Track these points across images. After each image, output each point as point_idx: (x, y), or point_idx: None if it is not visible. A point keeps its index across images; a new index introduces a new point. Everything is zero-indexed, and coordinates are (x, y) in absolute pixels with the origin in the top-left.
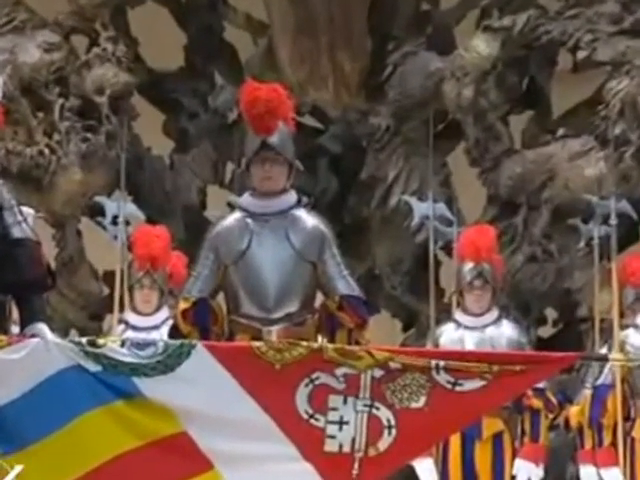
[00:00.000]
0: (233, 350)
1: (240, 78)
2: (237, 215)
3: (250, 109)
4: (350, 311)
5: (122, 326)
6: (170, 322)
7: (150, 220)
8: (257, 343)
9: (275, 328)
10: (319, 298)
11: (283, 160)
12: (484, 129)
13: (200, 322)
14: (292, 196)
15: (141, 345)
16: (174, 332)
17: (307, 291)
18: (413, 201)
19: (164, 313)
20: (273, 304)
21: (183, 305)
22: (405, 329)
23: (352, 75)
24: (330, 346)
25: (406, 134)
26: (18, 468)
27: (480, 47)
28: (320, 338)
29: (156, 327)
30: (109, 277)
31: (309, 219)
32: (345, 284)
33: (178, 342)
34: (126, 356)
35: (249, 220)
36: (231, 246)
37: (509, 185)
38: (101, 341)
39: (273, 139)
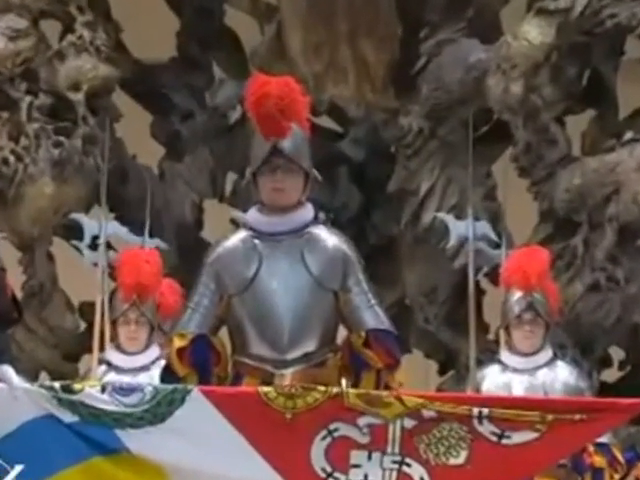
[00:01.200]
0: (236, 396)
1: (244, 71)
2: (242, 235)
3: (257, 108)
4: (379, 348)
5: (103, 367)
6: (161, 363)
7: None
8: (265, 388)
9: (290, 371)
10: (342, 334)
11: (297, 169)
12: (536, 132)
13: (199, 363)
14: (308, 211)
15: (125, 390)
16: (167, 375)
17: (327, 325)
18: (450, 219)
19: (153, 352)
20: (287, 342)
21: (179, 342)
22: (441, 371)
23: (377, 67)
24: (352, 391)
25: (443, 138)
26: (18, 468)
27: (531, 34)
28: (343, 381)
29: (144, 369)
30: (87, 309)
31: (329, 238)
32: (373, 316)
33: (170, 387)
34: (108, 404)
35: (257, 241)
36: (236, 273)
37: (566, 199)
38: (78, 386)
39: (285, 144)
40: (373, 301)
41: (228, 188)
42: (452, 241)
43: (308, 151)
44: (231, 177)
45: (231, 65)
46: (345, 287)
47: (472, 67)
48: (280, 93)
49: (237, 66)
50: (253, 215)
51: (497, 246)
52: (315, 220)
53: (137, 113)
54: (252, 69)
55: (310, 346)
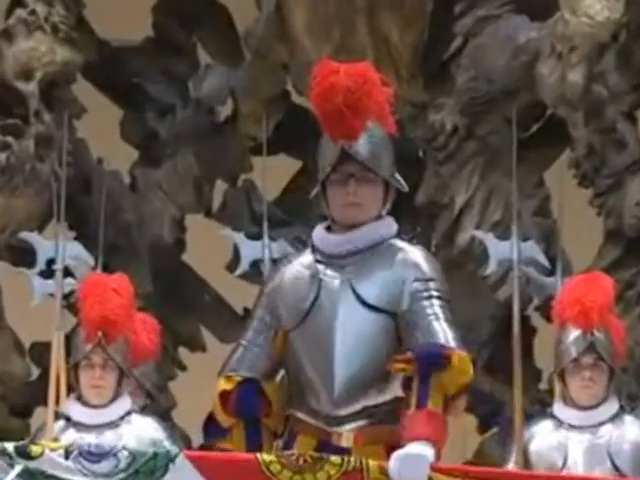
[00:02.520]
0: (230, 464)
1: (236, 55)
2: (307, 258)
3: (322, 103)
4: (416, 367)
5: (60, 424)
6: (133, 418)
7: (103, 266)
8: (266, 456)
9: (346, 429)
10: None
11: (374, 178)
12: (600, 131)
13: (245, 411)
14: (387, 225)
15: (95, 455)
16: (211, 426)
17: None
18: (490, 239)
19: (123, 404)
20: (338, 393)
21: (224, 386)
22: (482, 428)
23: (402, 50)
24: (373, 463)
25: (483, 139)
26: (18, 468)
27: (594, 8)
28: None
29: (111, 425)
30: (41, 351)
31: (401, 252)
32: (427, 331)
33: (149, 452)
34: (73, 473)
35: (321, 266)
36: (292, 303)
37: (638, 215)
38: (36, 449)
39: (358, 147)
40: (441, 315)
41: (217, 200)
42: (492, 266)
43: (390, 155)
44: (220, 187)
45: (220, 48)
46: (407, 308)
47: (520, 50)
48: (350, 85)
49: (228, 49)
50: (319, 234)
51: (550, 273)
52: (397, 237)
53: (103, 108)
54: (246, 53)
55: (371, 398)
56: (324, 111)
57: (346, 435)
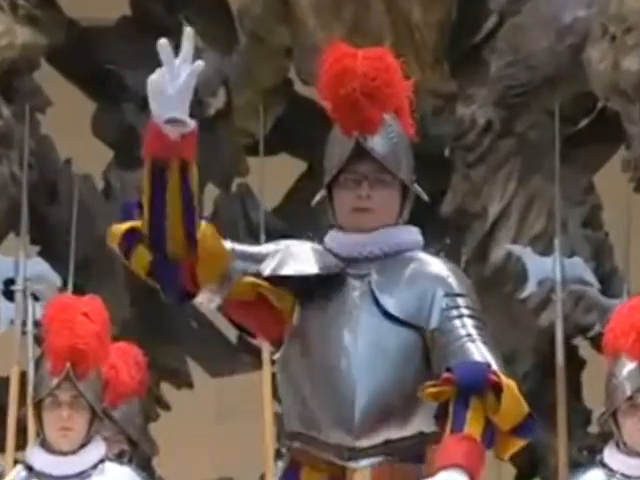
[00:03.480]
0: None
1: (229, 38)
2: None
3: (335, 89)
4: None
5: (22, 475)
6: (107, 467)
7: (73, 287)
8: None
9: (363, 465)
10: None
11: (391, 180)
12: None
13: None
14: (410, 232)
15: None
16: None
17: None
18: (529, 254)
19: (96, 450)
20: (359, 422)
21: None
22: (521, 478)
23: (425, 31)
24: None
25: (522, 136)
26: (18, 467)
27: None
28: None
29: (82, 476)
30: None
31: (427, 264)
32: (461, 353)
33: None
34: None
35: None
36: (310, 264)
37: None
38: None
39: (375, 142)
40: (476, 336)
41: (206, 209)
42: (531, 287)
43: (409, 158)
44: (211, 193)
45: (210, 29)
46: (436, 327)
47: (565, 31)
48: (368, 70)
49: (219, 30)
50: (333, 236)
51: (603, 293)
52: (421, 248)
53: (72, 99)
54: (241, 35)
55: (394, 429)
56: (336, 98)
57: (362, 472)
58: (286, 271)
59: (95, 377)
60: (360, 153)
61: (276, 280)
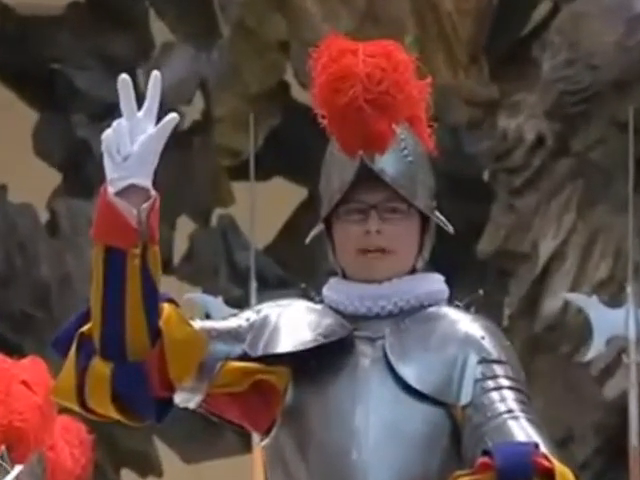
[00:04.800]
0: None
1: (208, 27)
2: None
3: (331, 95)
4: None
5: None
6: None
7: (10, 347)
8: None
9: None
10: None
11: (407, 210)
12: None
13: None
14: (433, 280)
15: None
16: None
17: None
18: (593, 305)
19: None
20: None
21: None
22: None
23: (458, 21)
24: None
25: (582, 155)
26: (18, 468)
27: None
28: None
29: None
30: None
31: (456, 321)
32: (501, 433)
33: None
34: None
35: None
36: (303, 331)
37: None
38: None
39: (384, 164)
40: (519, 412)
41: (179, 248)
42: (597, 347)
43: (429, 181)
44: (185, 227)
45: (185, 18)
46: (469, 402)
47: (637, 22)
48: (373, 71)
49: (196, 20)
50: (335, 287)
51: None
52: (448, 302)
53: (8, 107)
54: (224, 26)
55: None
56: (333, 108)
57: None
58: (282, 347)
59: (36, 462)
60: (366, 176)
61: (269, 359)
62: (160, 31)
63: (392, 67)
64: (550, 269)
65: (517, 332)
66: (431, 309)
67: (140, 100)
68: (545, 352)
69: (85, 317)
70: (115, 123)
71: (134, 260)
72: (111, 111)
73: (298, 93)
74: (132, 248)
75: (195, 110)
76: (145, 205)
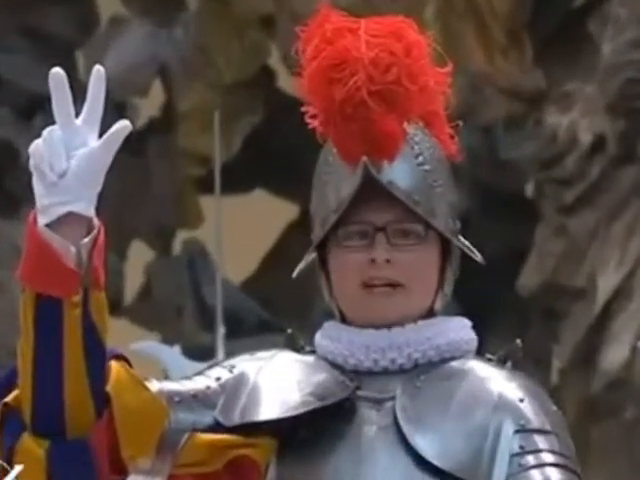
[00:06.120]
0: None
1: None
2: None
3: (325, 87)
4: None
5: None
6: None
7: None
8: None
9: None
10: None
11: (423, 233)
12: None
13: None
14: (458, 326)
15: None
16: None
17: None
18: None
19: None
20: None
21: None
22: None
23: (497, 1)
24: None
25: None
26: (18, 468)
27: None
28: None
29: None
30: None
31: (486, 379)
32: None
33: None
34: None
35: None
36: (292, 389)
37: None
38: None
39: (394, 174)
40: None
41: (132, 282)
42: None
43: (449, 190)
44: (139, 255)
45: None
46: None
47: None
48: (380, 56)
49: None
50: (333, 334)
51: None
52: (477, 353)
53: None
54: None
55: None
56: (329, 103)
57: None
58: (265, 414)
59: None
60: (371, 190)
61: (247, 428)
62: (107, 2)
63: (403, 50)
64: (612, 309)
65: (569, 392)
66: (454, 363)
67: (80, 93)
68: (605, 417)
69: (9, 381)
70: (46, 132)
71: (73, 310)
72: (43, 105)
73: (286, 82)
74: (70, 296)
75: (152, 104)
76: (86, 240)
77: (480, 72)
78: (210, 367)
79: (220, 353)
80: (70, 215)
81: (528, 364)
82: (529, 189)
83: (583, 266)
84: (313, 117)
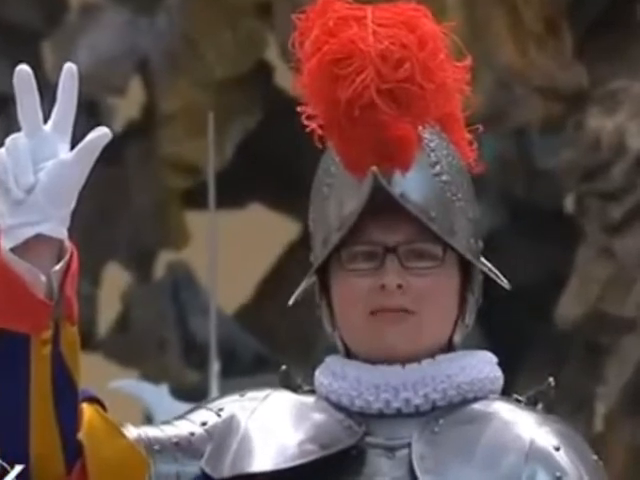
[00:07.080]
0: None
1: None
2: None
3: (328, 91)
4: None
5: None
6: None
7: None
8: None
9: None
10: None
11: (441, 251)
12: None
13: None
14: (478, 361)
15: None
16: None
17: None
18: None
19: None
20: None
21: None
22: None
23: None
24: None
25: None
26: (18, 468)
27: None
28: None
29: None
30: None
31: (513, 424)
32: None
33: None
34: None
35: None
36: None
37: None
38: None
39: (408, 183)
40: None
41: (107, 312)
42: None
43: (474, 208)
44: (116, 281)
45: None
46: None
47: None
48: (390, 49)
49: None
50: (335, 370)
51: None
52: (504, 393)
53: None
54: None
55: None
56: (332, 104)
57: None
58: (259, 464)
59: None
60: (380, 204)
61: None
62: None
63: (417, 42)
64: None
65: (616, 439)
66: (477, 405)
67: (47, 92)
68: None
69: None
70: (9, 140)
71: (42, 348)
72: (6, 104)
73: (285, 79)
74: (40, 331)
75: (131, 104)
76: (58, 266)
77: (511, 67)
78: (194, 410)
79: (214, 394)
80: (39, 237)
81: (565, 407)
82: (568, 204)
83: (632, 294)
84: (311, 118)
